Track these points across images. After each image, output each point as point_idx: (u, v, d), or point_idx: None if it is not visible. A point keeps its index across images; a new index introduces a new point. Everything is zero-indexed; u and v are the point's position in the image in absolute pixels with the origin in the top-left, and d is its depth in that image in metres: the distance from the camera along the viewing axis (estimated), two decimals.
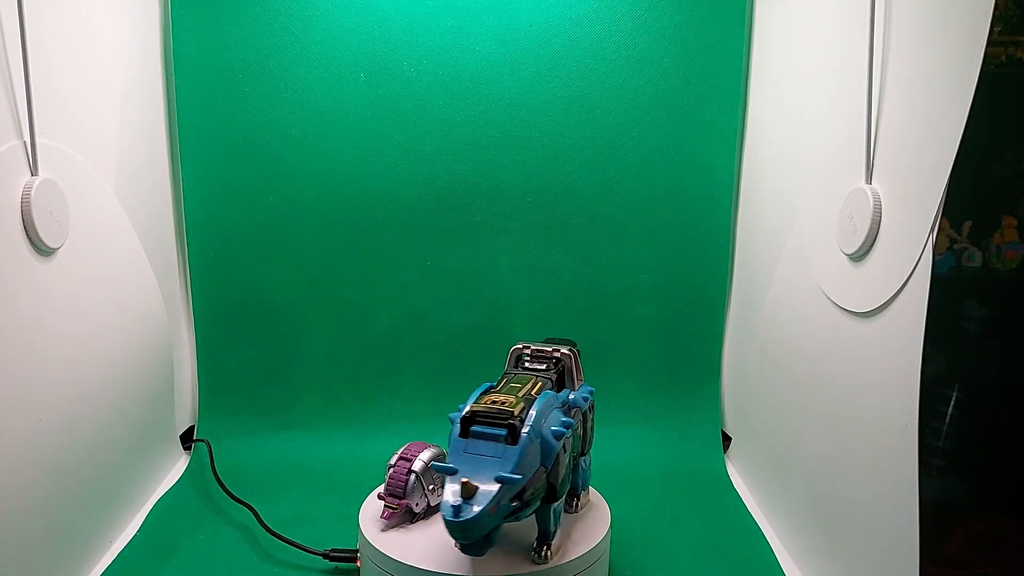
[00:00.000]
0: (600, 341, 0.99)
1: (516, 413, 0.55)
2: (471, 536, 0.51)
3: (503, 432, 0.54)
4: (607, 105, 0.95)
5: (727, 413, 1.02)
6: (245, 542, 0.76)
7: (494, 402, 0.57)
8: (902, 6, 0.58)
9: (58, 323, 0.65)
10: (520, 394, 0.59)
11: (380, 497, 0.67)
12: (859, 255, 0.63)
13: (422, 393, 1.00)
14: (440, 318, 1.00)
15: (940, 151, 0.51)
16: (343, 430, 0.99)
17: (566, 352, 0.68)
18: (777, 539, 0.79)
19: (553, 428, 0.56)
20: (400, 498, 0.66)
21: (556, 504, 0.59)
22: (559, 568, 0.60)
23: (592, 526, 0.66)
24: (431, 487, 0.67)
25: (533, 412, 0.56)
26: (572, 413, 0.63)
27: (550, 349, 0.68)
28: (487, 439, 0.54)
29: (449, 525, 0.50)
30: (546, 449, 0.56)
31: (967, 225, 0.64)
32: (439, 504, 0.53)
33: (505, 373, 0.66)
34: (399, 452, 0.69)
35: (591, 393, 0.68)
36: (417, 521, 0.67)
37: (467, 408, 0.57)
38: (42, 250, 0.63)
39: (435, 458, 0.68)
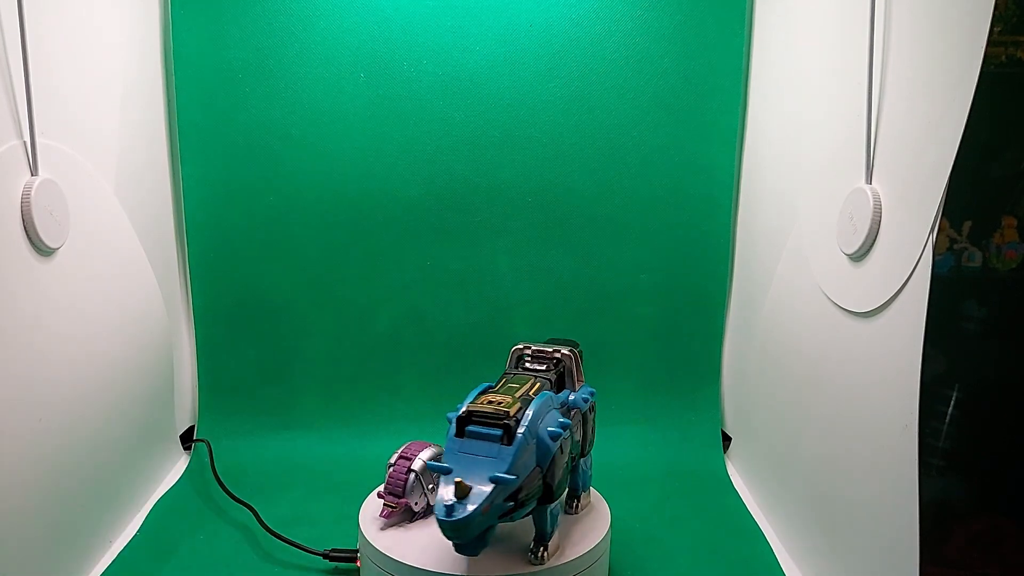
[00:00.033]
0: (600, 341, 0.99)
1: (512, 413, 0.55)
2: (463, 536, 0.51)
3: (498, 432, 0.54)
4: (607, 105, 0.95)
5: (727, 413, 1.02)
6: (245, 542, 0.76)
7: (490, 402, 0.57)
8: (902, 6, 0.58)
9: (58, 323, 0.65)
10: (517, 394, 0.59)
11: (380, 496, 0.67)
12: (859, 255, 0.63)
13: (422, 393, 1.00)
14: (440, 318, 1.00)
15: (940, 151, 0.51)
16: (343, 430, 0.99)
17: (566, 353, 0.67)
18: (777, 539, 0.79)
19: (550, 429, 0.56)
20: (399, 497, 0.66)
21: (553, 505, 0.59)
22: (559, 568, 0.60)
23: (592, 526, 0.66)
24: (430, 486, 0.67)
25: (529, 412, 0.56)
26: (571, 414, 0.63)
27: (551, 350, 0.68)
28: (482, 439, 0.54)
29: (442, 524, 0.50)
30: (542, 450, 0.56)
31: (967, 225, 0.64)
32: None
33: (505, 373, 0.66)
34: (399, 451, 0.69)
35: (592, 394, 0.68)
36: (416, 520, 0.67)
37: (463, 408, 0.57)
38: (42, 250, 0.63)
39: (435, 458, 0.68)
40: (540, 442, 0.56)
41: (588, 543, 0.63)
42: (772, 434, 0.84)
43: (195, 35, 0.91)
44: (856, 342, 0.63)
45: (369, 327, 0.99)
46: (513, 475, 0.52)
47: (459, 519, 0.49)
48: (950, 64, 0.51)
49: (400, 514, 0.66)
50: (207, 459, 0.90)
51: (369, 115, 0.95)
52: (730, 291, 1.01)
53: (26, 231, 0.60)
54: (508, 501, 0.53)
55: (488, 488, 0.51)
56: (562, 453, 0.58)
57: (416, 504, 0.66)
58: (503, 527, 0.63)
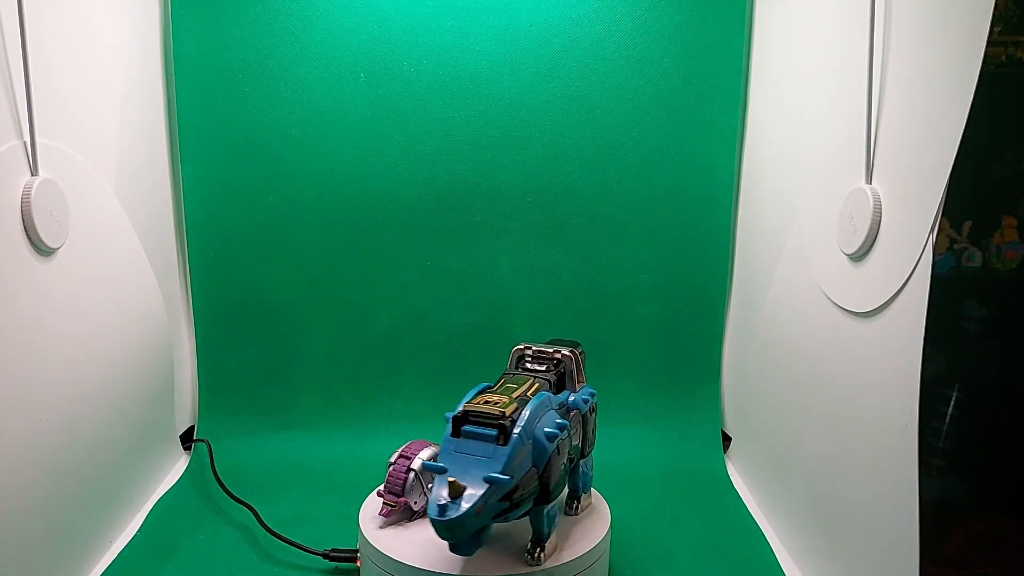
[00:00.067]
0: (600, 341, 0.99)
1: (508, 414, 0.55)
2: (457, 536, 0.51)
3: (494, 432, 0.54)
4: (607, 105, 0.95)
5: (727, 413, 1.02)
6: (245, 542, 0.76)
7: (487, 402, 0.57)
8: (902, 6, 0.58)
9: (58, 323, 0.65)
10: (515, 395, 0.59)
11: (379, 495, 0.68)
12: (859, 255, 0.63)
13: (422, 393, 1.00)
14: (440, 318, 1.00)
15: (940, 151, 0.51)
16: (343, 430, 0.99)
17: (567, 353, 0.67)
18: (777, 539, 0.79)
19: (546, 429, 0.56)
20: (399, 496, 0.66)
21: (550, 506, 0.59)
22: (559, 568, 0.60)
23: (592, 526, 0.66)
24: (430, 485, 0.67)
25: (526, 413, 0.56)
26: (571, 415, 0.63)
27: (551, 350, 0.68)
28: (478, 439, 0.54)
29: (435, 524, 0.50)
30: (538, 450, 0.56)
31: (967, 225, 0.64)
32: None
33: (504, 373, 0.66)
34: (399, 450, 0.69)
35: (592, 395, 0.67)
36: (416, 519, 0.67)
37: (459, 408, 0.57)
38: (42, 250, 0.63)
39: (434, 457, 0.68)
40: (536, 443, 0.56)
41: (588, 543, 0.63)
42: (772, 434, 0.84)
43: (195, 35, 0.91)
44: (856, 342, 0.63)
45: (369, 327, 0.99)
46: (508, 475, 0.52)
47: (452, 519, 0.49)
48: (950, 64, 0.51)
49: (399, 513, 0.66)
50: (207, 459, 0.90)
51: (369, 115, 0.95)
52: (730, 291, 1.01)
53: (26, 231, 0.60)
54: (503, 501, 0.53)
55: (482, 488, 0.51)
56: (559, 454, 0.58)
57: (415, 503, 0.66)
58: (504, 527, 0.63)
